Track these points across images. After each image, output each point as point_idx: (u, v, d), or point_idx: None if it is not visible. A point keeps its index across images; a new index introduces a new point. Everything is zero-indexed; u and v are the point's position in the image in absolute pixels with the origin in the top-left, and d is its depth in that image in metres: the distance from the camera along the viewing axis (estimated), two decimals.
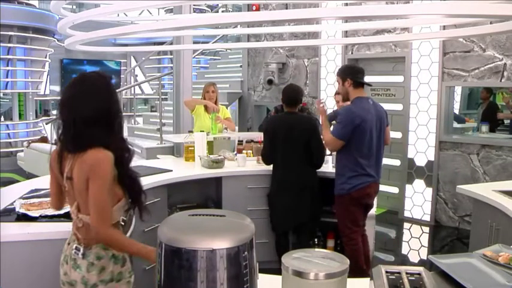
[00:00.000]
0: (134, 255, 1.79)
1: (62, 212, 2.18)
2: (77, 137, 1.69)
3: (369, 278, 1.39)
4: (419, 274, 1.34)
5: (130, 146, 1.83)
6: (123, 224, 1.83)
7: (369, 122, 3.21)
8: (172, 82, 6.53)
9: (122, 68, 13.76)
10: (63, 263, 1.79)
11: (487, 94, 6.39)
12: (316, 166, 3.58)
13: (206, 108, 4.79)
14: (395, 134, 5.77)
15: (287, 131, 3.49)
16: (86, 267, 1.72)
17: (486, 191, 2.96)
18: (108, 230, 1.69)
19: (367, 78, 3.46)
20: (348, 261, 1.22)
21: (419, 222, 5.49)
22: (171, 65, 7.61)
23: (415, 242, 5.11)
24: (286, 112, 3.66)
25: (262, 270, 1.34)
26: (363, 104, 3.25)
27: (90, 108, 1.70)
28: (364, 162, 3.23)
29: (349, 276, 1.23)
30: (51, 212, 2.19)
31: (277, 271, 1.34)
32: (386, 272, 1.35)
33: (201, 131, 4.30)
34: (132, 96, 10.96)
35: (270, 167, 3.69)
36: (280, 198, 3.57)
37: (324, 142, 3.43)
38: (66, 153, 1.73)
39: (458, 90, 6.02)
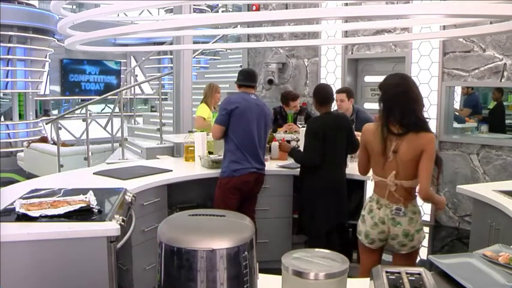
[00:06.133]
0: (435, 203, 2.56)
1: (62, 212, 2.19)
2: (412, 123, 2.30)
3: (368, 278, 1.39)
4: (419, 274, 1.34)
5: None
6: (123, 223, 1.83)
7: (244, 109, 3.42)
8: (172, 82, 6.53)
9: (122, 68, 13.76)
10: (378, 223, 2.40)
11: (498, 94, 6.26)
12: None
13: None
14: None
15: (335, 130, 3.43)
16: (407, 222, 2.36)
17: (486, 191, 2.96)
18: (431, 190, 2.35)
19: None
20: (348, 261, 1.22)
21: None
22: (171, 65, 7.61)
23: None
24: (325, 112, 3.54)
25: (262, 270, 1.35)
26: (243, 95, 3.53)
27: (419, 101, 2.42)
28: (244, 149, 3.42)
29: None
30: (51, 212, 2.19)
31: (277, 271, 1.34)
32: (387, 272, 1.35)
33: (201, 131, 4.30)
34: (132, 96, 10.95)
35: (271, 167, 3.65)
36: (326, 199, 3.43)
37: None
38: (392, 135, 2.33)
39: (458, 90, 6.00)
